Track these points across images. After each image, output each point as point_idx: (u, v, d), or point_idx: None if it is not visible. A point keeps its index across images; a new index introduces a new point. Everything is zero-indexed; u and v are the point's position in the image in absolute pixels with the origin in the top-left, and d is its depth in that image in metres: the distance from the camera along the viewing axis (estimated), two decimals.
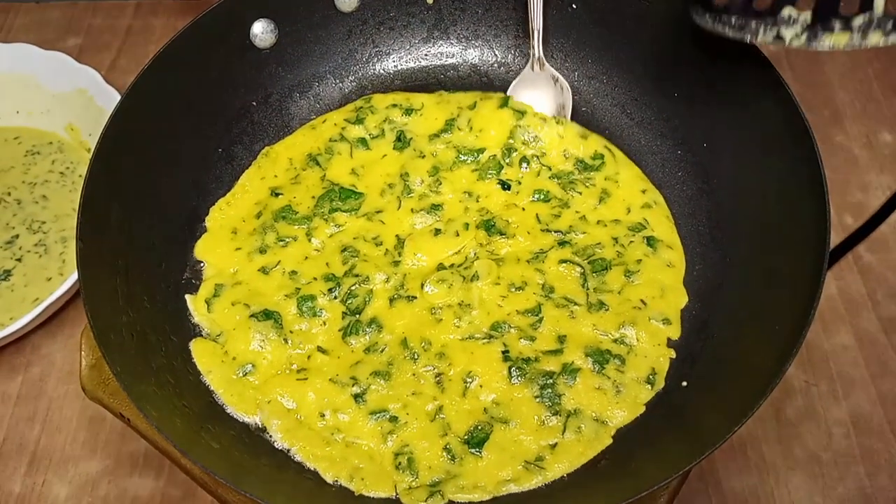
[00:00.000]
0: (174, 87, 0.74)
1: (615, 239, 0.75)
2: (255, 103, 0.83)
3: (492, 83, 0.87)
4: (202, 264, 0.76)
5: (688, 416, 0.63)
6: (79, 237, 0.63)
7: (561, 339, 0.69)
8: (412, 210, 0.78)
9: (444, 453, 0.64)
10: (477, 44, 0.88)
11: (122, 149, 0.69)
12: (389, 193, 0.79)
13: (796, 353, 0.55)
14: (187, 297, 0.73)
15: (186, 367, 0.68)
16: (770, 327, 0.61)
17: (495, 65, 0.88)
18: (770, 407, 0.80)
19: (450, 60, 0.88)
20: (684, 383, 0.66)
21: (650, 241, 0.75)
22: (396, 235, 0.76)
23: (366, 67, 0.87)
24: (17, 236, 0.90)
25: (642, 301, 0.72)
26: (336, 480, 0.63)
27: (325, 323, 0.71)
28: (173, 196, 0.75)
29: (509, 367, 0.67)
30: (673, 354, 0.69)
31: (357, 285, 0.73)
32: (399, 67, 0.88)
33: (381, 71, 0.88)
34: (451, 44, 0.88)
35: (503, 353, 0.68)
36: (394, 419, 0.65)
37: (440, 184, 0.79)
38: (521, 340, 0.69)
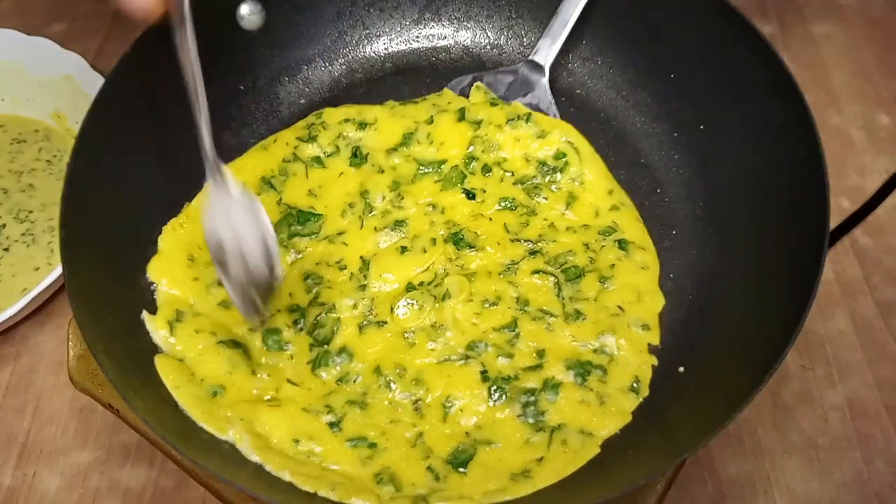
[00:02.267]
0: (158, 70, 0.72)
1: (586, 245, 0.73)
2: (242, 87, 0.81)
3: (484, 65, 0.85)
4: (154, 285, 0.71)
5: (685, 402, 0.62)
6: (62, 224, 0.62)
7: (540, 353, 0.67)
8: (375, 228, 0.75)
9: (428, 472, 0.62)
10: (469, 25, 0.86)
11: (106, 134, 0.68)
12: (350, 213, 0.75)
13: (796, 337, 0.54)
14: (145, 314, 0.67)
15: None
16: (769, 311, 0.60)
17: (488, 46, 0.86)
18: (766, 392, 0.79)
19: (441, 42, 0.87)
20: (681, 369, 0.66)
21: (622, 244, 0.73)
22: (361, 257, 0.73)
23: (356, 50, 0.86)
24: (3, 226, 0.89)
25: (619, 307, 0.70)
26: (315, 491, 0.59)
27: (292, 357, 0.68)
28: (159, 182, 0.74)
29: (489, 388, 0.65)
30: (655, 361, 0.67)
31: (323, 314, 0.69)
32: (390, 50, 0.87)
33: (372, 53, 0.86)
34: (443, 25, 0.87)
35: (482, 373, 0.66)
36: (373, 445, 0.63)
37: (402, 198, 0.76)
38: (499, 359, 0.67)
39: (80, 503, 0.75)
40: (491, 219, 0.75)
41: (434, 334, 0.69)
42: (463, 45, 0.87)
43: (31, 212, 0.90)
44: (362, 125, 0.80)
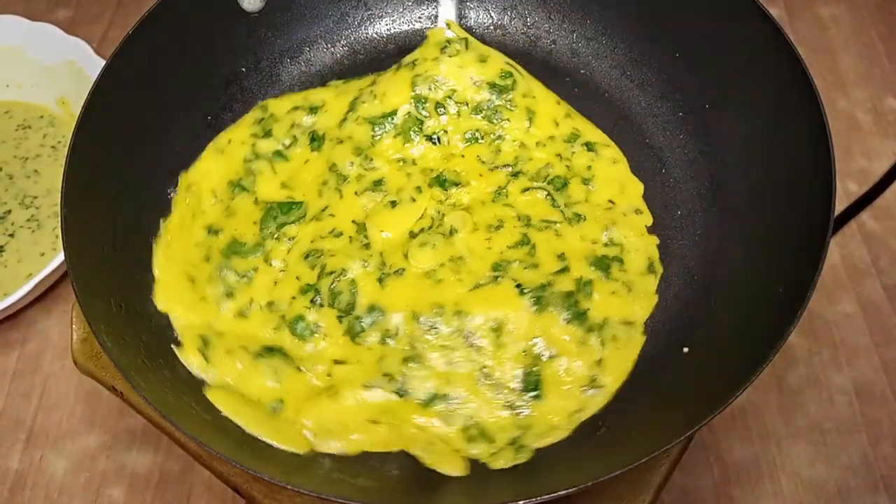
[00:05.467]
0: (160, 53, 0.73)
1: (559, 155, 0.76)
2: (244, 69, 0.81)
3: (488, 46, 0.85)
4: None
5: (689, 382, 0.62)
6: (63, 205, 0.62)
7: (561, 256, 0.69)
8: (356, 193, 0.74)
9: (507, 409, 0.63)
10: (472, 6, 0.85)
11: (107, 116, 0.68)
12: (326, 191, 0.74)
13: (800, 316, 0.54)
14: (175, 349, 0.65)
15: (174, 340, 0.66)
16: (773, 292, 0.60)
17: (491, 27, 0.85)
18: (772, 376, 0.79)
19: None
20: (686, 349, 0.65)
21: (589, 146, 0.76)
22: (353, 221, 0.72)
23: (358, 31, 0.85)
24: (9, 212, 0.89)
25: (610, 201, 0.73)
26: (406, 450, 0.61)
27: (326, 336, 0.66)
28: (162, 164, 0.74)
29: (529, 299, 0.66)
30: (657, 241, 0.71)
31: (335, 282, 0.68)
32: (392, 31, 0.86)
33: (374, 35, 0.86)
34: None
35: (517, 287, 0.66)
36: (444, 397, 0.63)
37: (371, 160, 0.75)
38: (527, 270, 0.68)
39: (87, 487, 0.76)
40: (463, 156, 0.76)
41: (456, 267, 0.68)
42: (466, 26, 0.85)
43: (35, 197, 0.91)
44: (313, 109, 0.79)
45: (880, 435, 0.76)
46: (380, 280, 0.68)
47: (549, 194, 0.73)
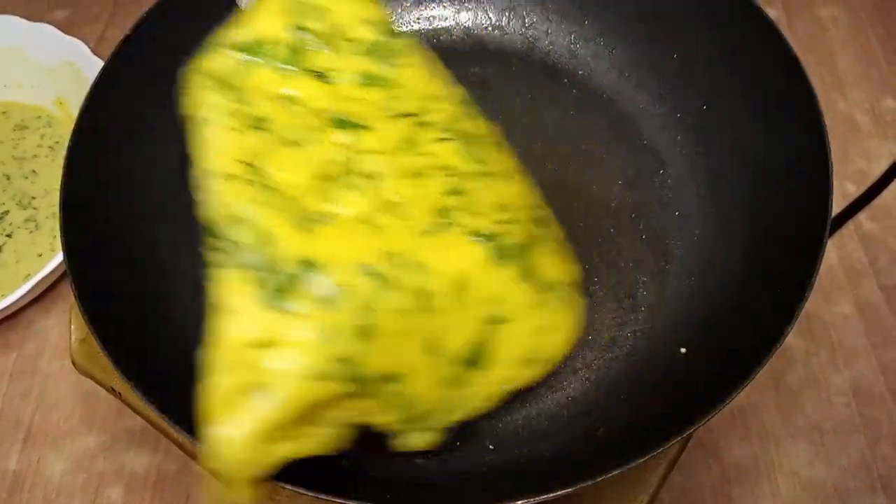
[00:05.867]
0: (158, 53, 0.73)
1: (461, 112, 0.65)
2: None
3: (486, 47, 0.85)
4: None
5: (687, 382, 0.62)
6: (62, 206, 0.62)
7: (503, 207, 0.57)
8: (235, 130, 0.55)
9: (446, 386, 0.53)
10: (470, 6, 0.85)
11: (105, 116, 0.68)
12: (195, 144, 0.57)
13: (798, 316, 0.54)
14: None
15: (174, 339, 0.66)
16: (771, 292, 0.60)
17: (489, 27, 0.86)
18: (770, 376, 0.79)
19: (442, 24, 0.86)
20: (683, 349, 0.65)
21: (469, 112, 0.67)
22: (238, 161, 0.53)
23: None
24: (6, 212, 0.89)
25: (514, 167, 0.64)
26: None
27: (232, 310, 0.48)
28: (161, 163, 0.73)
29: (491, 250, 0.54)
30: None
31: (237, 237, 0.50)
32: None
33: None
34: (444, 6, 0.86)
35: (472, 234, 0.54)
36: (393, 378, 0.51)
37: (241, 92, 0.57)
38: (474, 218, 0.55)
39: (85, 487, 0.76)
40: (356, 100, 0.61)
41: (393, 211, 0.54)
42: (464, 26, 0.85)
43: (33, 198, 0.91)
44: None
45: (879, 435, 0.76)
46: (298, 227, 0.51)
47: (464, 146, 0.61)
